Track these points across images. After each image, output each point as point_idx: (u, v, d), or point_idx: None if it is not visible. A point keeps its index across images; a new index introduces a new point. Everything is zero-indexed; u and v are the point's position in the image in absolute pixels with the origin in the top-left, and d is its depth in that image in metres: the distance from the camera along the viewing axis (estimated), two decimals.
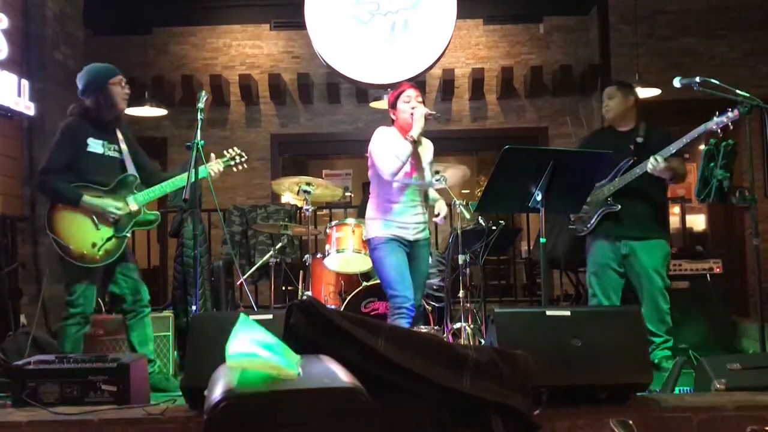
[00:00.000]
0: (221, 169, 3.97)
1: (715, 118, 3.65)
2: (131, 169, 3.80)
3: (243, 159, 4.12)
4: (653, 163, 3.82)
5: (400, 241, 3.77)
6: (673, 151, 3.82)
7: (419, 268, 3.85)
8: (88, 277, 3.67)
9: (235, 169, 4.14)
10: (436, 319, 4.77)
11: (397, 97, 3.82)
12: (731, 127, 3.62)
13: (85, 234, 3.63)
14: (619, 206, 4.03)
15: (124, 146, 3.82)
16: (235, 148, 4.14)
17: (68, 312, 3.69)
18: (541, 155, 3.31)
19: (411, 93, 3.79)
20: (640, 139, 4.07)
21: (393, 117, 3.88)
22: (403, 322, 3.61)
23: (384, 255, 3.74)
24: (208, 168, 3.86)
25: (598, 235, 4.15)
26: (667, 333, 4.08)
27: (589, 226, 4.15)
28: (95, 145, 3.70)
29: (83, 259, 3.62)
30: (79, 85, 3.78)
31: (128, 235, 3.73)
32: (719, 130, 3.64)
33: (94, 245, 3.63)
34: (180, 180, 3.79)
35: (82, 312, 3.67)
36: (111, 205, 3.65)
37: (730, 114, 3.58)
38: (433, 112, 3.75)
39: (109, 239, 3.66)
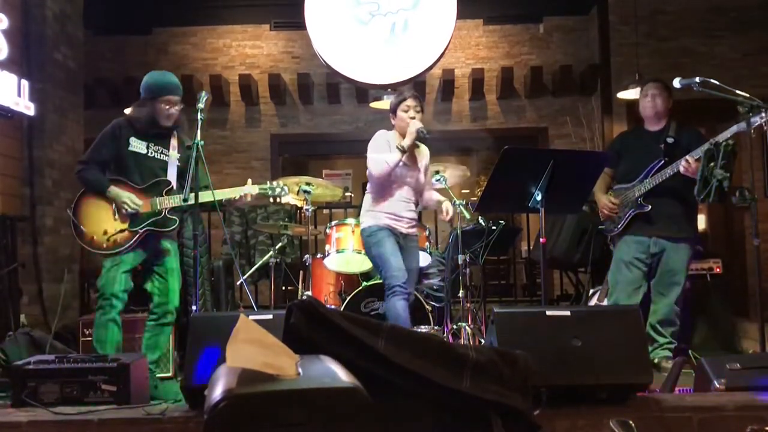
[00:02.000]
0: (253, 193, 3.88)
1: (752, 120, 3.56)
2: (172, 173, 3.86)
3: (284, 193, 4.01)
4: (685, 165, 3.79)
5: (392, 231, 3.97)
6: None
7: (410, 262, 4.01)
8: (112, 260, 3.75)
9: (271, 200, 4.15)
10: (436, 319, 4.77)
11: (398, 104, 3.99)
12: (766, 128, 3.58)
13: (101, 221, 3.75)
14: (650, 207, 4.02)
15: (174, 152, 3.88)
16: (282, 183, 4.03)
17: (99, 303, 3.78)
18: (541, 155, 3.31)
19: (410, 103, 3.96)
20: (670, 139, 4.06)
21: (393, 122, 4.06)
22: (400, 302, 3.76)
23: (378, 240, 3.94)
24: (241, 191, 3.84)
25: (628, 233, 4.14)
26: (672, 336, 4.07)
27: (619, 226, 4.15)
28: (138, 145, 3.79)
29: (92, 243, 3.74)
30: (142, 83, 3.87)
31: (140, 230, 3.76)
32: (752, 131, 3.61)
33: (105, 233, 3.74)
34: (206, 195, 3.73)
35: (103, 293, 3.72)
36: (129, 197, 3.72)
37: (764, 114, 3.53)
38: (424, 131, 3.89)
39: (121, 231, 3.75)
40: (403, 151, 3.86)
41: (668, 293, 4.07)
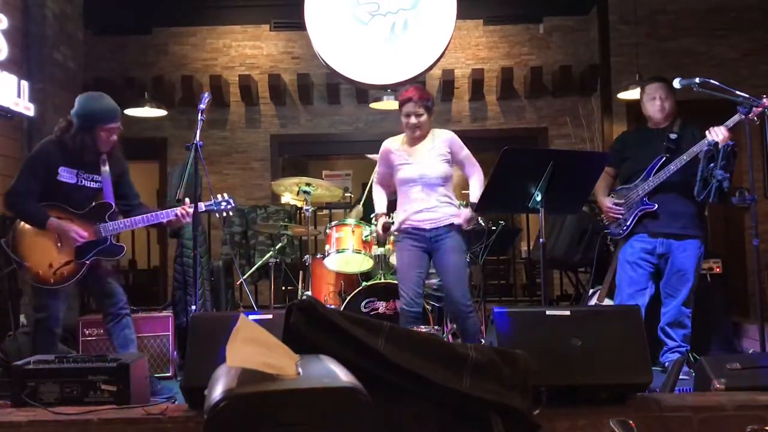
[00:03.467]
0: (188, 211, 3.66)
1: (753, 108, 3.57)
2: (108, 194, 3.64)
3: (229, 207, 3.85)
4: (716, 133, 3.69)
5: (413, 234, 3.88)
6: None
7: (444, 263, 3.85)
8: (45, 292, 3.56)
9: (217, 215, 3.98)
10: (436, 319, 4.77)
11: (401, 108, 3.94)
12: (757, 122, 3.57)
13: (44, 254, 3.53)
14: (656, 205, 3.97)
15: (105, 168, 3.63)
16: (225, 194, 3.90)
17: (35, 317, 3.63)
18: (541, 156, 3.31)
19: (410, 109, 3.86)
20: (673, 135, 4.03)
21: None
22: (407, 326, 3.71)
23: (396, 250, 4.04)
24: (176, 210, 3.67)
25: (633, 233, 4.07)
26: (684, 339, 4.01)
27: (626, 228, 4.09)
28: (68, 175, 3.55)
29: (37, 278, 3.53)
30: (75, 105, 3.60)
31: (88, 262, 3.59)
32: (755, 118, 3.57)
33: (50, 266, 3.53)
34: (154, 218, 3.67)
35: (46, 316, 3.55)
36: (75, 230, 3.52)
37: (765, 101, 3.50)
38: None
39: (67, 263, 3.55)
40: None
41: (676, 294, 4.00)
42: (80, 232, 3.53)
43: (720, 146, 3.68)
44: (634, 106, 6.56)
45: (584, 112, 7.68)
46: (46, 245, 3.53)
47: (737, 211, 6.89)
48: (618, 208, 4.12)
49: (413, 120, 3.85)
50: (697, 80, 3.59)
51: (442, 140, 3.96)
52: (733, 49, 7.35)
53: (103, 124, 3.55)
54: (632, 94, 6.47)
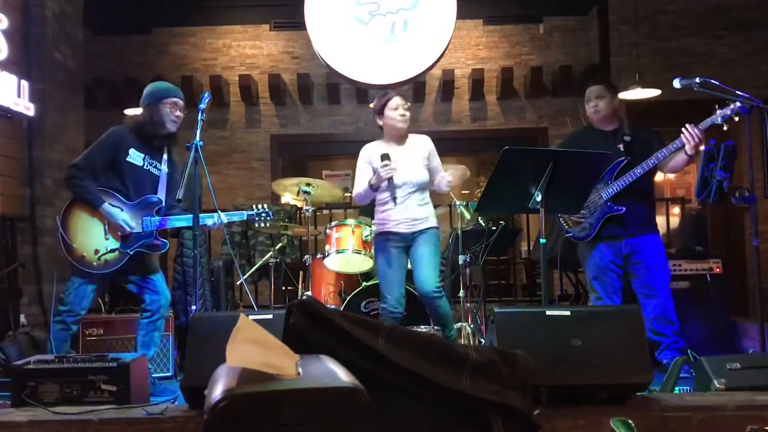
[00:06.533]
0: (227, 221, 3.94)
1: (718, 111, 3.57)
2: (162, 190, 3.81)
3: (267, 218, 4.08)
4: (689, 134, 3.63)
5: (393, 237, 3.94)
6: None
7: (420, 255, 3.92)
8: (85, 275, 3.66)
9: (256, 225, 4.17)
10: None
11: (384, 105, 3.96)
12: (736, 119, 3.55)
13: (91, 238, 3.66)
14: (624, 208, 3.92)
15: (164, 167, 3.85)
16: (265, 205, 4.09)
17: (57, 309, 3.71)
18: (541, 156, 3.31)
19: (398, 102, 3.94)
20: (627, 138, 3.98)
21: (380, 123, 4.02)
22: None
23: (376, 250, 4.05)
24: (215, 218, 3.83)
25: (598, 238, 4.02)
26: (675, 334, 3.97)
27: (591, 232, 4.01)
28: (136, 157, 3.74)
29: (82, 261, 3.65)
30: (142, 97, 3.85)
31: (131, 252, 3.70)
32: (723, 124, 3.58)
33: (96, 252, 3.65)
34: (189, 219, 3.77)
35: (70, 310, 3.66)
36: (125, 219, 3.66)
37: (732, 106, 3.50)
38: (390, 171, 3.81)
39: (112, 251, 3.67)
40: (371, 187, 3.88)
41: (654, 294, 3.96)
42: (129, 223, 3.67)
43: (719, 146, 3.68)
44: (634, 106, 6.58)
45: (584, 112, 7.65)
46: (95, 230, 3.66)
47: (737, 211, 6.89)
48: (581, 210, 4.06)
49: (401, 111, 3.92)
50: (697, 80, 3.58)
51: (422, 146, 4.04)
52: (733, 49, 7.36)
53: (165, 99, 3.79)
54: (632, 94, 6.47)
